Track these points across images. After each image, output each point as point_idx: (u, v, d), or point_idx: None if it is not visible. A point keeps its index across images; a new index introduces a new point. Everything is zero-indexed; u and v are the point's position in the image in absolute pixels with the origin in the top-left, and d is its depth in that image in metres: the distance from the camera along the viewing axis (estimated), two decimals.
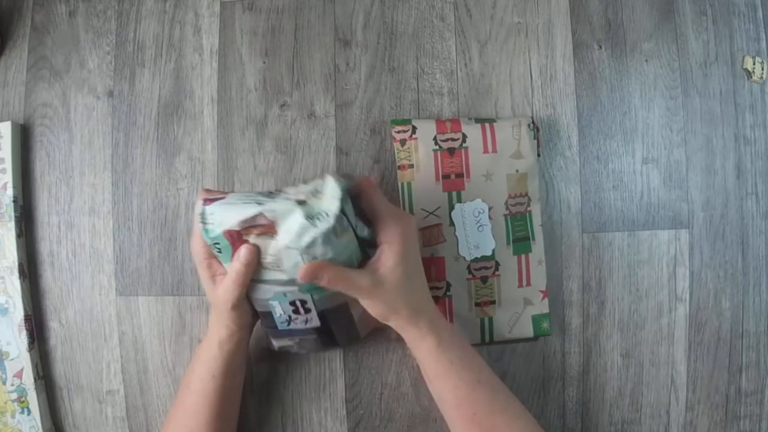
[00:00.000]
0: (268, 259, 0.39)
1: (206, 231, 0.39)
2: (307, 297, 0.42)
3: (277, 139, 0.55)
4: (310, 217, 0.37)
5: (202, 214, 0.39)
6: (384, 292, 0.43)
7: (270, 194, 0.39)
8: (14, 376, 0.53)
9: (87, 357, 0.55)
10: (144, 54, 0.56)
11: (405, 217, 0.45)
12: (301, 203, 0.37)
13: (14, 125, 0.55)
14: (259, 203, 0.38)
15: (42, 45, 0.57)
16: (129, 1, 0.57)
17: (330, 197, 0.38)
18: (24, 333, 0.53)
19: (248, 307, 0.46)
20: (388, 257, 0.43)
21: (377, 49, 0.55)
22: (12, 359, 0.54)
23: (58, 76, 0.56)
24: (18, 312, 0.54)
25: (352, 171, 0.54)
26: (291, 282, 0.40)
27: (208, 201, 0.39)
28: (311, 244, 0.37)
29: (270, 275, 0.40)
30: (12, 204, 0.54)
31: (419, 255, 0.46)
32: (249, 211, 0.38)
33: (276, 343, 0.49)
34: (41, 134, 0.56)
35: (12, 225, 0.54)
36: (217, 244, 0.40)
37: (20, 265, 0.54)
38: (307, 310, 0.43)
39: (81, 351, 0.55)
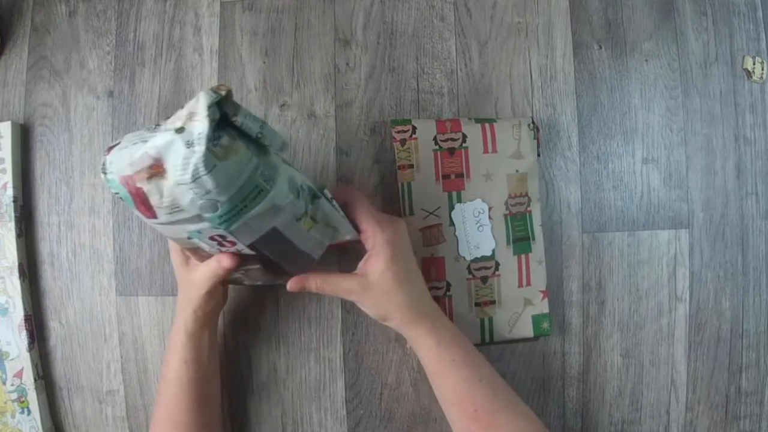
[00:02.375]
0: (165, 202, 0.35)
1: (108, 181, 0.36)
2: (221, 231, 0.38)
3: None
4: (190, 144, 0.32)
5: (104, 164, 0.36)
6: (374, 296, 0.44)
7: (156, 127, 0.35)
8: (14, 376, 0.53)
9: (87, 357, 0.55)
10: (144, 54, 0.56)
11: (392, 222, 0.45)
12: (179, 131, 0.33)
13: (14, 125, 0.55)
14: (144, 141, 0.34)
15: (42, 45, 0.57)
16: (129, 1, 0.57)
17: (199, 118, 0.33)
18: (24, 333, 0.53)
19: (221, 289, 0.47)
20: (376, 261, 0.44)
21: (377, 49, 0.55)
22: (12, 359, 0.54)
23: (58, 76, 0.56)
24: (18, 312, 0.54)
25: (352, 171, 0.54)
26: (198, 218, 0.37)
27: (108, 150, 0.36)
28: (195, 175, 0.33)
29: (175, 216, 0.37)
30: (12, 204, 0.54)
31: (412, 257, 0.47)
32: (135, 152, 0.34)
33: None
34: (41, 134, 0.56)
35: (12, 225, 0.54)
36: (117, 193, 0.36)
37: (20, 265, 0.54)
38: (232, 243, 0.40)
39: (81, 351, 0.55)
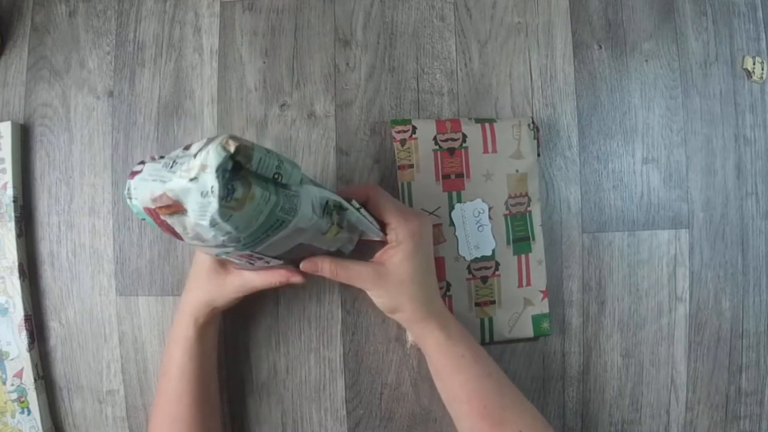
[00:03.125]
0: (190, 234, 0.37)
1: (133, 206, 0.38)
2: (248, 252, 0.40)
3: (277, 139, 0.55)
4: (205, 194, 0.34)
5: (128, 189, 0.37)
6: (388, 285, 0.44)
7: (173, 164, 0.36)
8: (14, 376, 0.53)
9: (87, 357, 0.55)
10: (144, 54, 0.56)
11: (417, 216, 0.45)
12: (193, 180, 0.34)
13: (14, 125, 0.55)
14: (162, 181, 0.35)
15: (42, 45, 0.57)
16: (129, 1, 0.57)
17: (210, 172, 0.34)
18: (24, 333, 0.53)
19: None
20: (396, 252, 0.44)
21: (377, 49, 0.55)
22: (12, 359, 0.54)
23: (58, 76, 0.56)
24: (18, 312, 0.54)
25: (352, 171, 0.54)
26: (223, 245, 0.38)
27: (132, 174, 0.37)
28: (213, 222, 0.34)
29: (201, 244, 0.38)
30: (12, 204, 0.54)
31: (431, 254, 0.47)
32: (156, 190, 0.36)
33: None
34: (41, 134, 0.56)
35: (12, 225, 0.54)
36: (144, 219, 0.38)
37: (20, 265, 0.54)
38: (260, 258, 0.41)
39: (81, 351, 0.55)
